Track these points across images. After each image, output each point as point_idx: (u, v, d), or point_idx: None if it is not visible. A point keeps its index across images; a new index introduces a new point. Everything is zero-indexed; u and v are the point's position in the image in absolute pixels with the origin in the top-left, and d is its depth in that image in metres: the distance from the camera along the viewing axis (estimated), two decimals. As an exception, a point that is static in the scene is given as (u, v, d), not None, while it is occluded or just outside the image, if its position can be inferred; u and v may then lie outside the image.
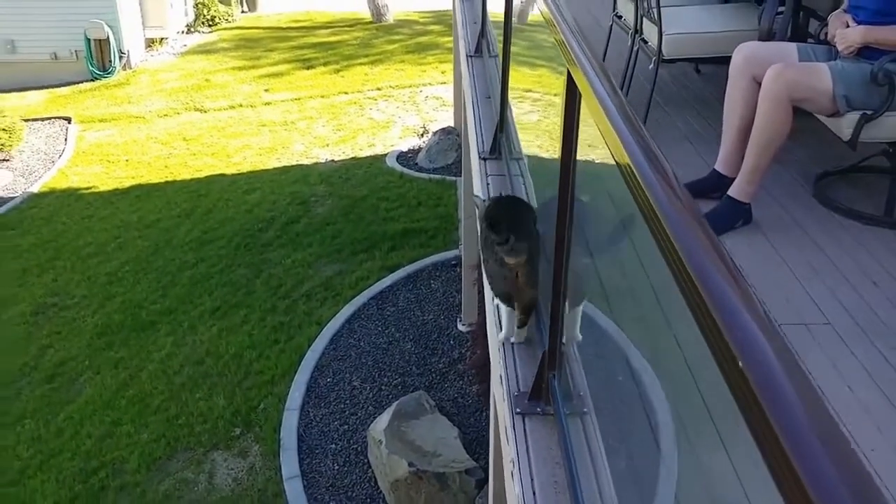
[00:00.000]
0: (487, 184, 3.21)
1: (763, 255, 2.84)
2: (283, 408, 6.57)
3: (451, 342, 7.30)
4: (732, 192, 3.03)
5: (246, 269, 8.54)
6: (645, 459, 2.11)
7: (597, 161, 1.88)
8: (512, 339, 2.23)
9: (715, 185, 3.20)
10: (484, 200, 2.29)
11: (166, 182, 10.88)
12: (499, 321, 2.31)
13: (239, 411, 6.57)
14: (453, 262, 8.32)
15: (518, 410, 2.01)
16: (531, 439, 1.94)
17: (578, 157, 1.76)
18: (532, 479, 1.82)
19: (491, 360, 2.38)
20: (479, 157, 3.45)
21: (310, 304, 7.88)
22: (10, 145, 11.85)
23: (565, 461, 1.86)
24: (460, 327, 7.41)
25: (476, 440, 6.05)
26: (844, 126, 2.87)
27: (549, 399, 2.01)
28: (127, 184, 10.92)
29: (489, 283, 2.25)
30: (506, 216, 2.09)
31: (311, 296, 8.00)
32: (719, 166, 3.23)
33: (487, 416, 5.50)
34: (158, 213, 9.98)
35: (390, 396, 6.59)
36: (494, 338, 2.38)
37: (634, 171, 1.12)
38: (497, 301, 2.25)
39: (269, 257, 8.72)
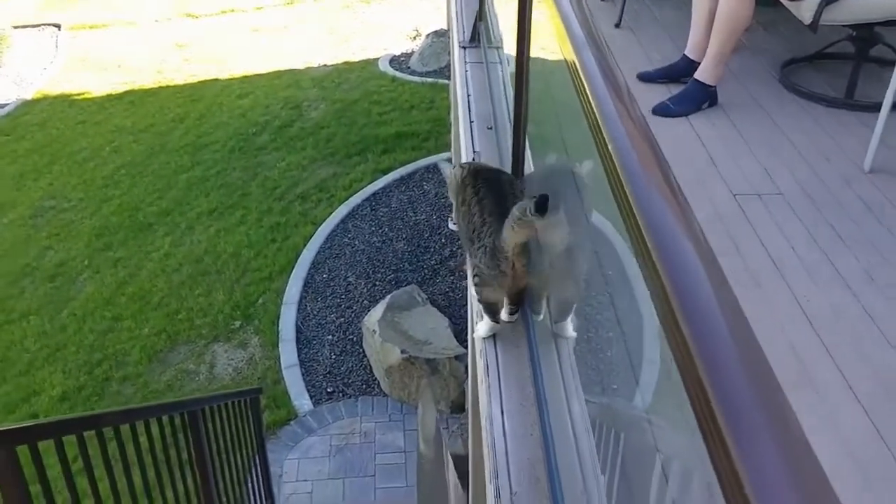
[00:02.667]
0: (466, 71, 3.34)
1: (725, 133, 2.99)
2: (281, 302, 6.81)
3: (443, 241, 7.50)
4: (699, 75, 3.16)
5: (241, 171, 8.67)
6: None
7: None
8: (504, 318, 1.89)
9: (685, 69, 3.33)
10: (454, 166, 1.97)
11: (159, 87, 10.91)
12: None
13: (238, 306, 6.81)
14: (445, 164, 8.44)
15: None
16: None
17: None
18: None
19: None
20: (460, 46, 3.56)
21: (305, 205, 8.05)
22: (0, 52, 11.83)
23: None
24: (451, 226, 7.50)
25: (465, 330, 6.28)
26: (805, 9, 2.98)
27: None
28: (120, 90, 10.95)
29: (475, 290, 1.85)
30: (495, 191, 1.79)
31: (306, 197, 8.16)
32: (689, 52, 3.35)
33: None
34: (152, 118, 10.06)
35: (384, 291, 6.81)
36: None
37: (578, 65, 1.18)
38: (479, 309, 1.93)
39: (264, 160, 8.85)
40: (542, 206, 1.51)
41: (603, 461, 1.81)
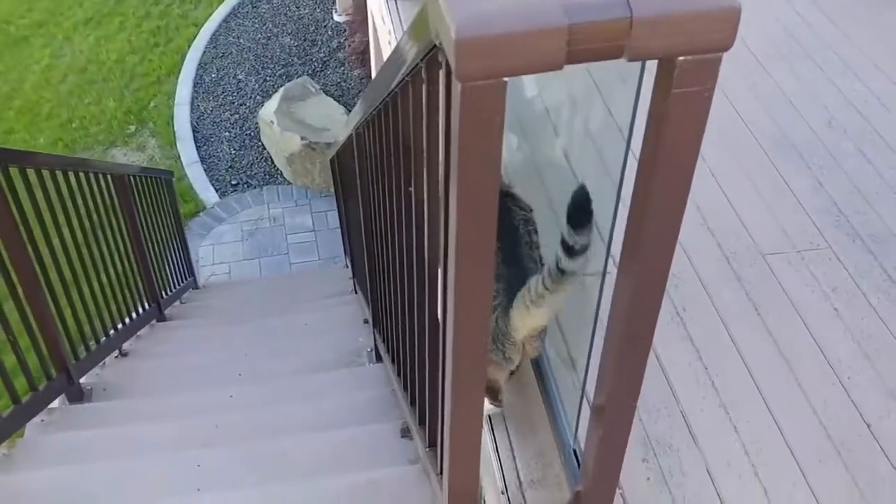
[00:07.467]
0: None
1: None
2: (173, 104, 6.86)
3: (329, 33, 7.55)
4: None
5: (112, -24, 8.38)
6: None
7: None
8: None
9: None
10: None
11: None
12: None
13: (130, 111, 6.83)
14: (323, -45, 8.35)
15: (389, -6, 2.42)
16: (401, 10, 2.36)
17: None
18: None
19: None
20: None
21: (183, 6, 7.91)
22: None
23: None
24: (336, 18, 7.62)
25: (361, 115, 6.50)
26: None
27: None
28: None
29: None
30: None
31: (184, -1, 8.01)
32: None
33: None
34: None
35: (275, 86, 6.92)
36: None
37: None
38: None
39: (133, -36, 8.54)
40: (579, 216, 1.00)
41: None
